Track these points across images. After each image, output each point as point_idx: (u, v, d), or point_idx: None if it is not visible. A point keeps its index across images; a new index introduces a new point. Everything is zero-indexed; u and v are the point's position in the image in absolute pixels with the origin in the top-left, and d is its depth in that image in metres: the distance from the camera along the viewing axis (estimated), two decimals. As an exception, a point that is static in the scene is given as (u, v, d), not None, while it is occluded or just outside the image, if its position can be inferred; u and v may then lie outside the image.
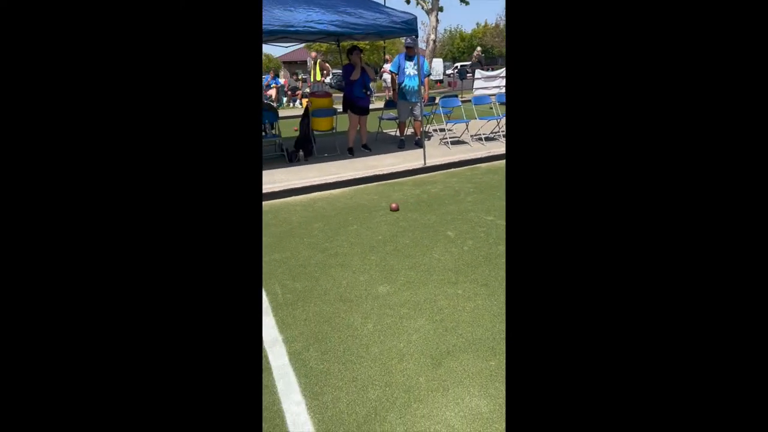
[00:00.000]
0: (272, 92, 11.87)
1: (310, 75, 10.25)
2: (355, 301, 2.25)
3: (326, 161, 5.17)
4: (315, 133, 5.56)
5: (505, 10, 5.78)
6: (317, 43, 16.47)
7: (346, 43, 8.04)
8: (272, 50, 55.86)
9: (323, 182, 4.37)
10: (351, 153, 5.45)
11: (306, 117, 5.47)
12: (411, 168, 4.81)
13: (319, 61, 10.18)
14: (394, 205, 3.61)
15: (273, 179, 4.47)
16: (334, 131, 5.68)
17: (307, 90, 11.88)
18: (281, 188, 4.18)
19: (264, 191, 4.09)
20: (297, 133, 5.44)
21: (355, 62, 5.16)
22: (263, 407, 1.55)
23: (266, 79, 14.82)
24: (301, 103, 11.86)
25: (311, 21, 4.13)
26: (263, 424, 1.48)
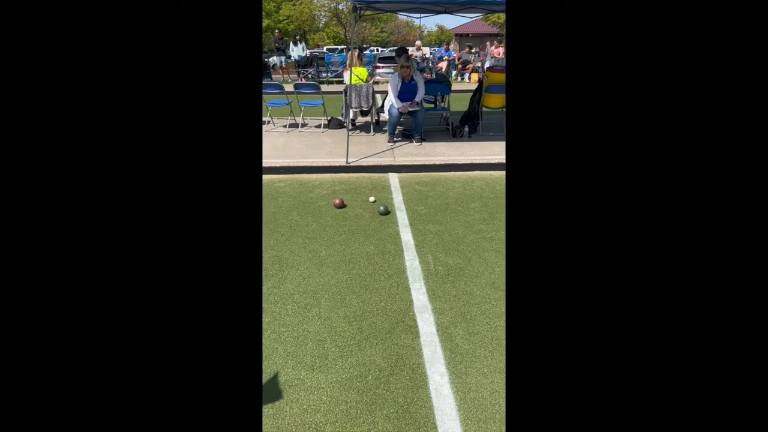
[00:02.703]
0: (443, 65, 11.87)
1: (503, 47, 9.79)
2: (508, 291, 2.14)
3: (490, 140, 4.97)
4: (485, 109, 5.37)
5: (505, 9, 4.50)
6: (495, 15, 15.62)
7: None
8: (446, 22, 55.54)
9: (484, 162, 4.23)
10: None
11: (478, 92, 5.30)
12: (587, 160, 4.25)
13: None
14: (337, 201, 3.08)
15: (434, 152, 4.52)
16: (505, 109, 5.38)
17: (479, 64, 11.49)
18: (441, 162, 4.21)
19: (422, 163, 4.18)
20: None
21: None
22: (408, 367, 1.64)
23: (439, 51, 14.85)
24: (470, 78, 11.59)
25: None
26: (407, 383, 1.56)
